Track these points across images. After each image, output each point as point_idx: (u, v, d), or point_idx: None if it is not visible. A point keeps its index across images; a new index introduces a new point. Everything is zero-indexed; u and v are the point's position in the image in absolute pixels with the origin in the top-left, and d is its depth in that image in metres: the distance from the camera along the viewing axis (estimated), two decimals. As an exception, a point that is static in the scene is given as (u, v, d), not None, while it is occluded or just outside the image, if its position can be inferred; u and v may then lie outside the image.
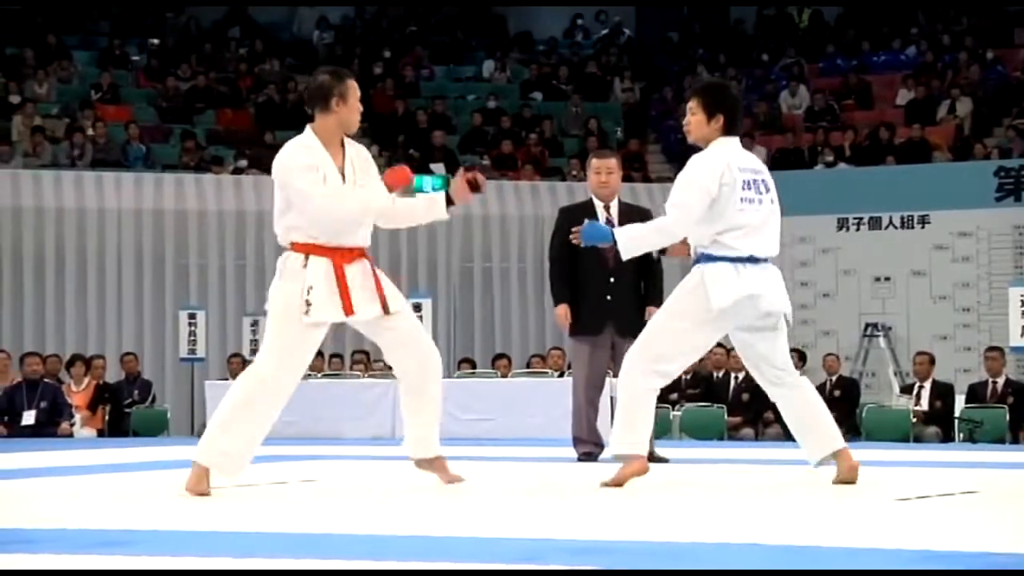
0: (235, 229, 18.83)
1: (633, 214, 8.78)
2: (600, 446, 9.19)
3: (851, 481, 6.47)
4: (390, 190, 6.26)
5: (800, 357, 16.10)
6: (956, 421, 13.79)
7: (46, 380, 15.05)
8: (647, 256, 8.82)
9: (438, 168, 19.92)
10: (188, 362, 17.37)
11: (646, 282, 9.10)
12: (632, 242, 6.46)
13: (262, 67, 22.47)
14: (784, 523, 4.99)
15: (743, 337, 6.51)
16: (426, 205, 6.38)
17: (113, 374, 16.76)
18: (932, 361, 14.51)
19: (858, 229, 18.58)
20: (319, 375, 14.40)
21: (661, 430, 13.72)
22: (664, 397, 14.32)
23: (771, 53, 23.48)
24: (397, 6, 24.88)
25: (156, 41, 22.95)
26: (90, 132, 19.71)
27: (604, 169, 8.97)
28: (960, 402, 14.15)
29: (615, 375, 9.03)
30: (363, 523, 5.06)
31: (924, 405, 14.06)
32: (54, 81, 21.21)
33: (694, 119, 6.41)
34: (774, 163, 20.27)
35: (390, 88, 22.07)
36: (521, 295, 19.62)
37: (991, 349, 14.67)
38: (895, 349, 17.96)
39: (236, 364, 15.69)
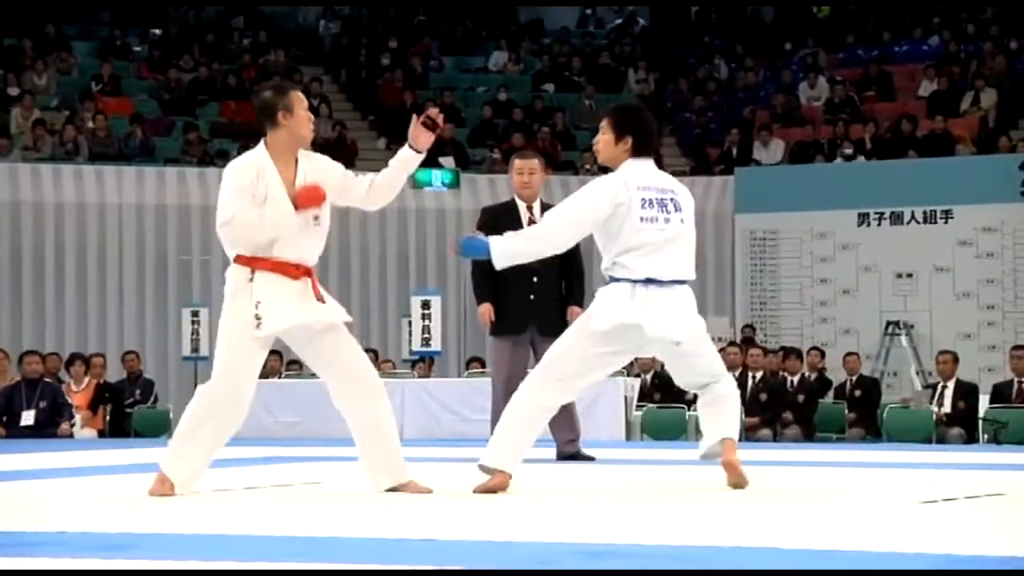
0: (239, 224, 18.51)
1: None
2: None
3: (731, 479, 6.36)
4: (297, 209, 6.19)
5: (820, 355, 15.88)
6: (980, 422, 13.60)
7: (46, 379, 14.82)
8: (571, 255, 8.80)
9: (447, 162, 19.62)
10: (191, 361, 17.15)
11: (568, 282, 9.29)
12: (506, 252, 6.41)
13: (267, 58, 22.32)
14: (802, 526, 4.94)
15: (655, 351, 6.56)
16: (400, 167, 6.49)
17: (114, 373, 16.57)
18: (956, 360, 14.31)
19: (879, 224, 18.32)
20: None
21: (676, 431, 13.45)
22: (680, 397, 13.99)
23: (790, 43, 23.10)
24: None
25: (158, 31, 22.88)
26: (90, 125, 19.48)
27: (527, 169, 9.13)
28: (984, 402, 13.93)
29: None
30: (370, 526, 5.06)
31: (947, 406, 13.76)
32: (53, 72, 21.14)
33: (603, 139, 6.46)
34: (792, 156, 19.98)
35: (398, 79, 21.87)
36: (533, 292, 19.28)
37: (1017, 348, 14.43)
38: (917, 348, 17.84)
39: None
